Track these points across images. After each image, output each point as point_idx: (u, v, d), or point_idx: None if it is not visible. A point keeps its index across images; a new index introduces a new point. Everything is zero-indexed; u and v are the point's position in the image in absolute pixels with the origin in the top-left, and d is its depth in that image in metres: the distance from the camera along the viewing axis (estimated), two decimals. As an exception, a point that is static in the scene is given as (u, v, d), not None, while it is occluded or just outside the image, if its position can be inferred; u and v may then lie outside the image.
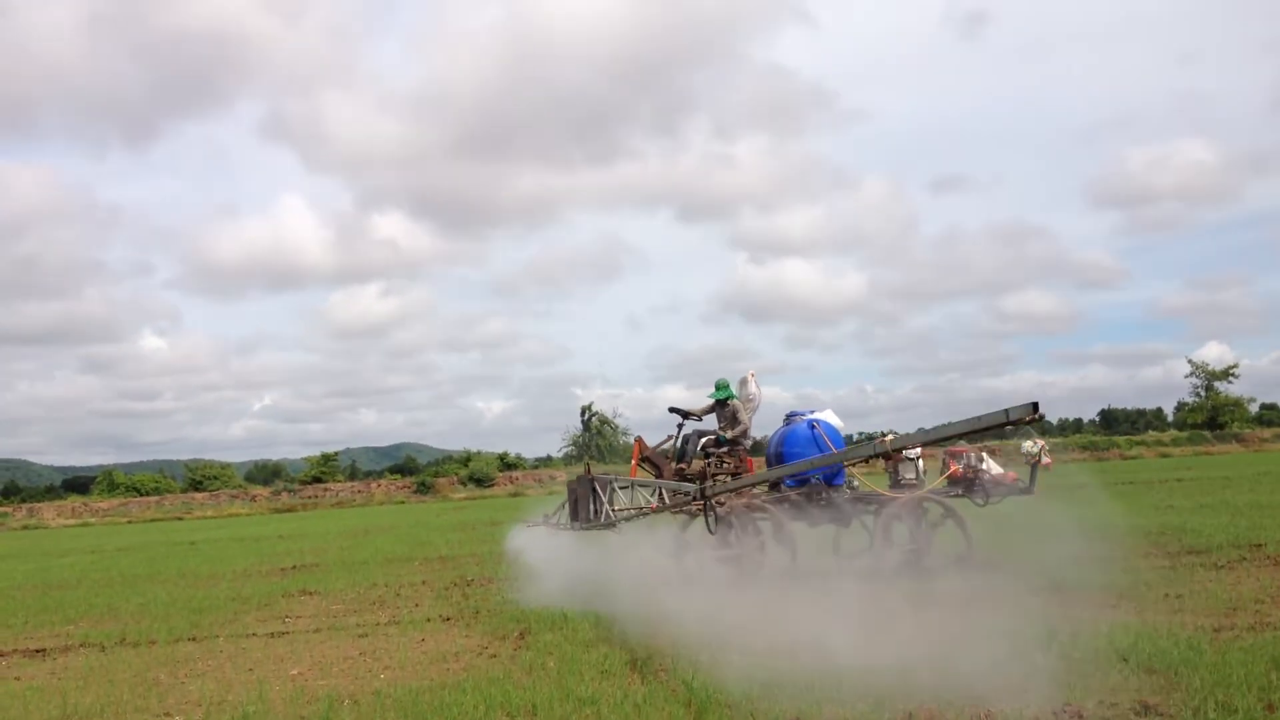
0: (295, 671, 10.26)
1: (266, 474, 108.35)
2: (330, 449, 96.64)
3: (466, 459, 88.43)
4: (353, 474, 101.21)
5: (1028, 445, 15.07)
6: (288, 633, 12.87)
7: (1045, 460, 14.89)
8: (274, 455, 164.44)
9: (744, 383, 15.29)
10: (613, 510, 14.05)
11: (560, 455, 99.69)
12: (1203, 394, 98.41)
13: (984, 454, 15.46)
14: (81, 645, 12.84)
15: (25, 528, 65.94)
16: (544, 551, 15.25)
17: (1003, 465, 15.38)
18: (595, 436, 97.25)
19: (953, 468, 15.05)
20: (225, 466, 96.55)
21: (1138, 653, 8.42)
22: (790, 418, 15.30)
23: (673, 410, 15.05)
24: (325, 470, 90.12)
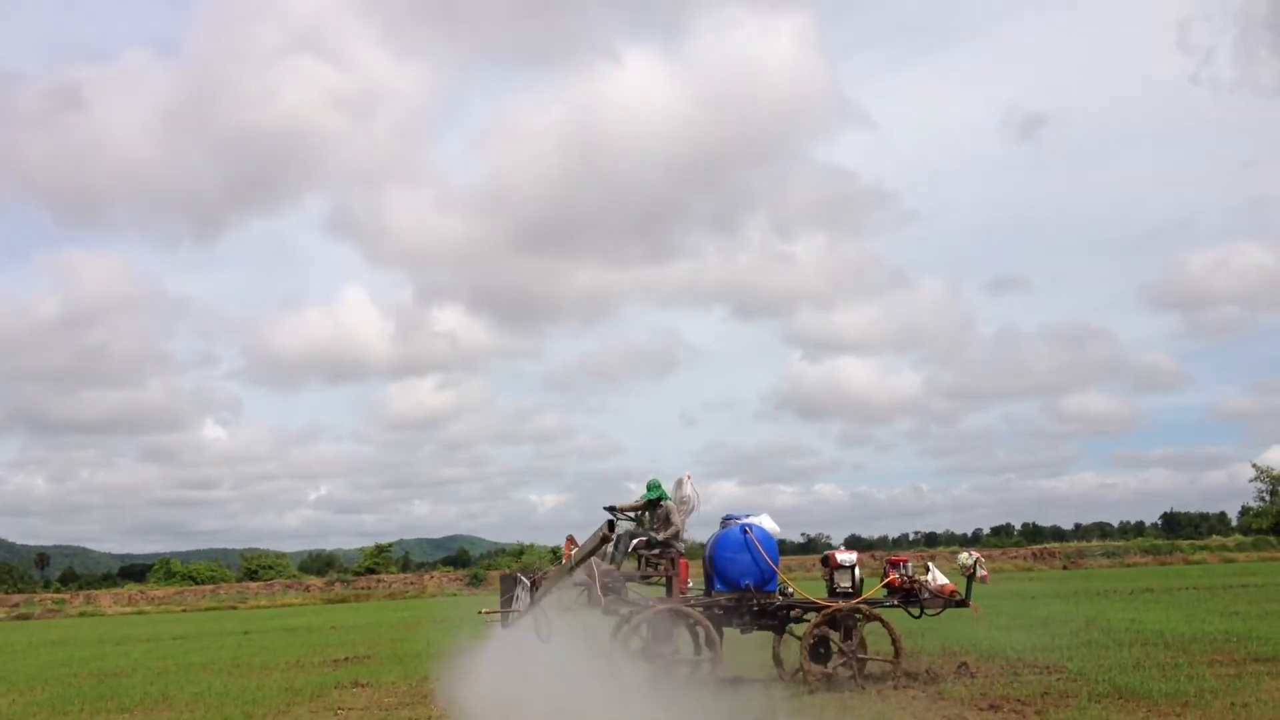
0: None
1: (320, 564, 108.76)
2: (384, 540, 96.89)
3: (519, 552, 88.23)
4: (405, 565, 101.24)
5: (963, 557, 15.05)
6: (340, 725, 12.86)
7: (981, 573, 14.79)
8: (328, 545, 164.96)
9: (679, 484, 15.20)
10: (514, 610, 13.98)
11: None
12: (1267, 498, 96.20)
13: (928, 563, 15.35)
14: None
15: (82, 614, 66.37)
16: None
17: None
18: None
19: (891, 576, 14.88)
20: (280, 556, 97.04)
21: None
22: (726, 520, 15.23)
23: (607, 509, 14.98)
24: (379, 561, 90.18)
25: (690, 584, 14.85)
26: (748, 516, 15.00)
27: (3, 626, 55.54)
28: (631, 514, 14.97)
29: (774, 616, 14.67)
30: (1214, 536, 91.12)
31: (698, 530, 15.65)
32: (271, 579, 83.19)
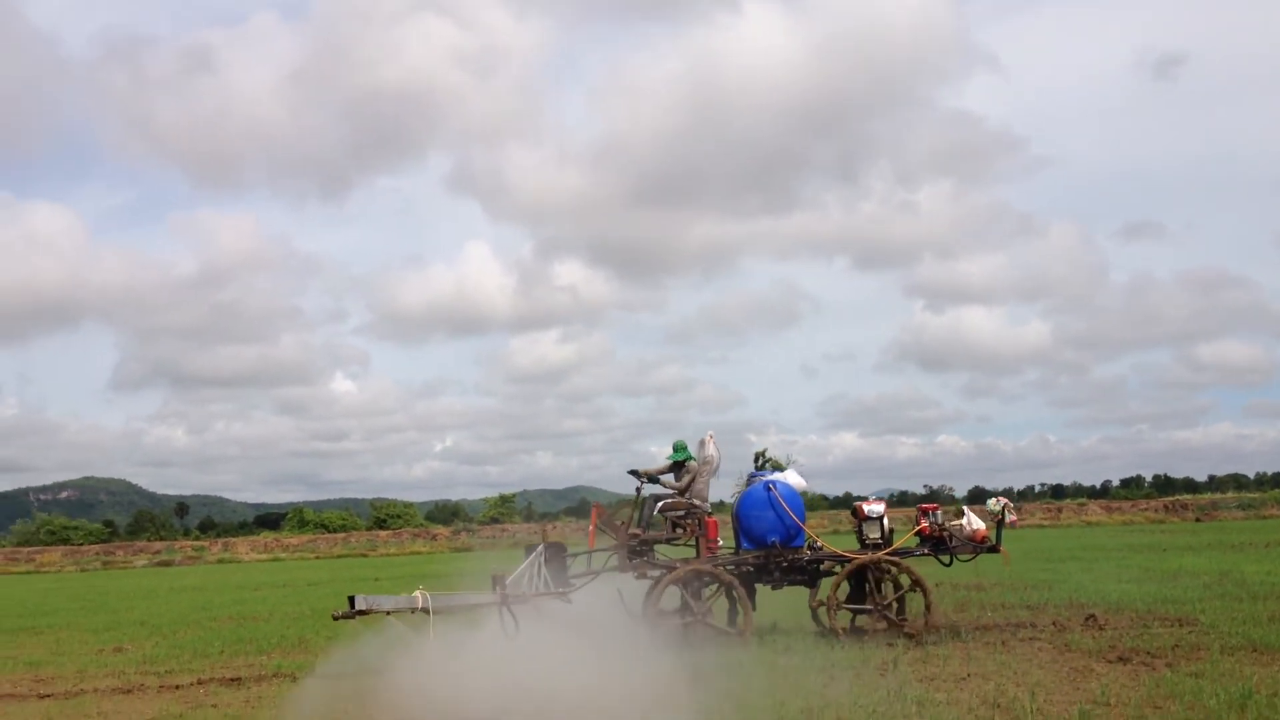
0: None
1: (446, 514, 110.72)
2: (507, 490, 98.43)
3: (641, 503, 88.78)
4: (529, 515, 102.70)
5: (991, 503, 14.87)
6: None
7: (1011, 518, 14.65)
8: (453, 496, 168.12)
9: (703, 444, 15.06)
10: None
11: (733, 500, 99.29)
12: None
13: (964, 508, 15.12)
14: (274, 675, 13.36)
15: (220, 561, 68.67)
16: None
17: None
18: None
19: (921, 525, 14.62)
20: (408, 506, 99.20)
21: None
22: (751, 478, 15.08)
23: (631, 473, 14.89)
24: (503, 511, 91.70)
25: (720, 543, 14.78)
26: (772, 473, 14.91)
27: (146, 572, 57.79)
28: (649, 477, 14.90)
29: (803, 571, 14.59)
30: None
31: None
32: (400, 528, 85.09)
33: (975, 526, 14.63)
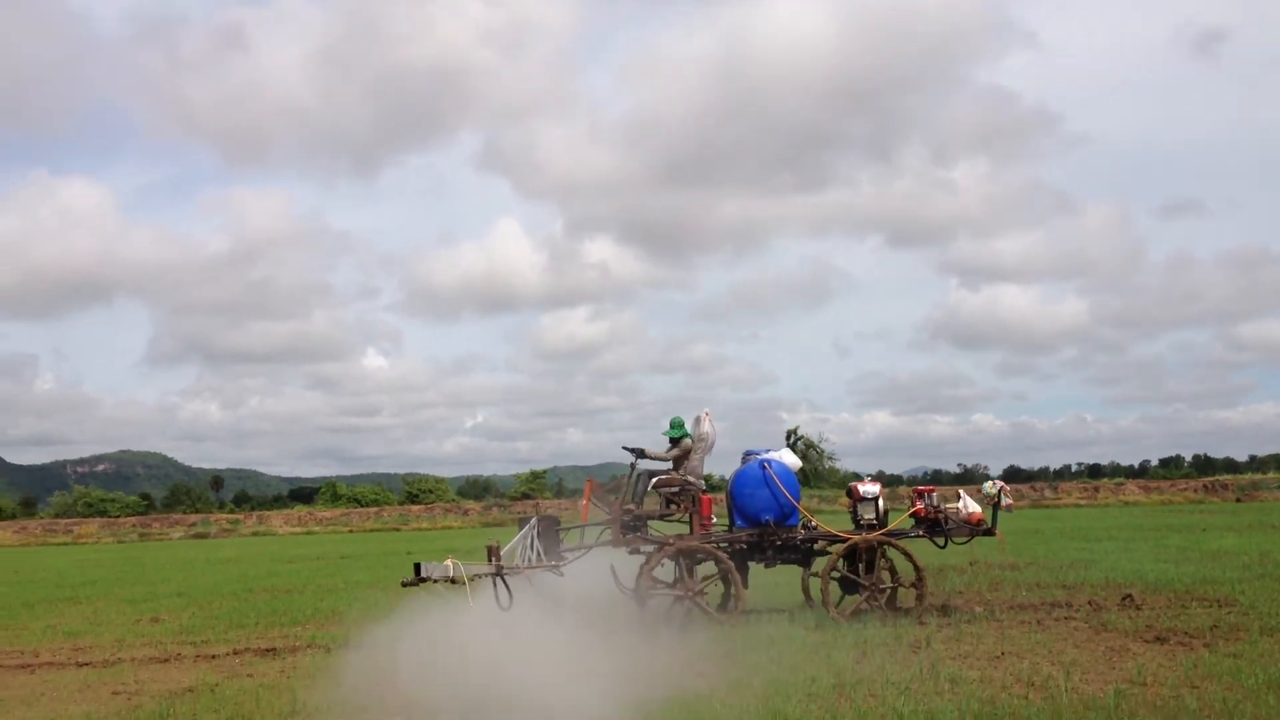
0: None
1: (478, 489, 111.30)
2: (538, 466, 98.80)
3: (721, 480, 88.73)
4: (559, 492, 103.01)
5: (987, 486, 14.73)
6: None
7: (1006, 502, 14.47)
8: (484, 471, 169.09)
9: (698, 421, 14.93)
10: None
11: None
12: None
13: (960, 491, 14.97)
14: (309, 646, 13.45)
15: (255, 534, 69.20)
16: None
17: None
18: (801, 461, 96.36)
19: (917, 506, 14.51)
20: (439, 481, 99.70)
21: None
22: (746, 456, 14.94)
23: (626, 449, 14.79)
24: (533, 487, 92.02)
25: (714, 520, 14.71)
26: (767, 452, 14.82)
27: (181, 544, 58.31)
28: (647, 454, 14.83)
29: (797, 550, 14.54)
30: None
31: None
32: (432, 502, 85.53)
33: (971, 509, 14.55)
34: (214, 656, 13.01)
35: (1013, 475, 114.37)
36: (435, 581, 11.27)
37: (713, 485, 16.99)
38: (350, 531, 67.43)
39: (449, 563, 11.46)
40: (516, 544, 13.30)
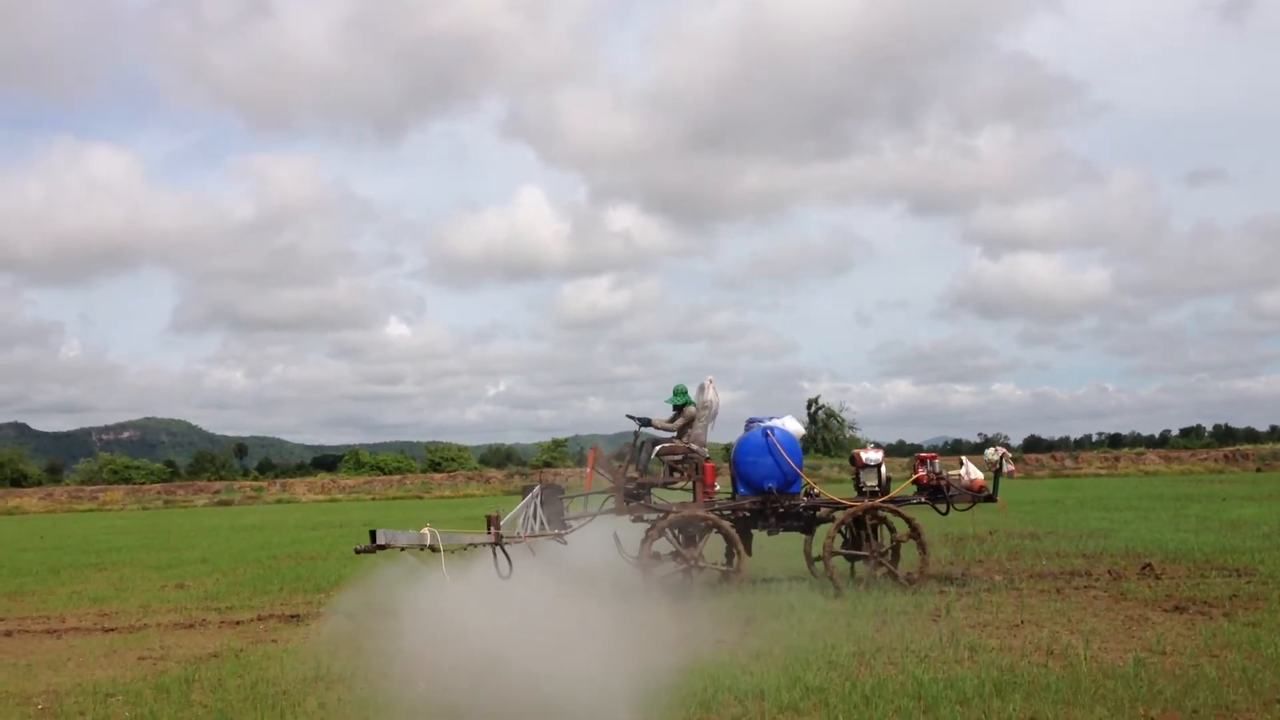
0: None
1: (500, 457, 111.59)
2: (560, 435, 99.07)
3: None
4: (581, 460, 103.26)
5: (989, 453, 14.69)
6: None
7: (1008, 468, 14.47)
8: (506, 440, 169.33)
9: (702, 389, 14.88)
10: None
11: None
12: None
13: (963, 458, 14.94)
14: (332, 613, 13.56)
15: (279, 501, 69.69)
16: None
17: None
18: (821, 430, 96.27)
19: (919, 473, 14.48)
20: (462, 449, 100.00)
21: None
22: (750, 424, 14.90)
23: (630, 417, 14.79)
24: (555, 455, 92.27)
25: (718, 488, 14.72)
26: (771, 419, 14.80)
27: (206, 511, 58.76)
28: (651, 423, 14.84)
29: (799, 518, 14.52)
30: None
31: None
32: (454, 470, 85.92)
33: (973, 476, 14.53)
34: (238, 622, 13.15)
35: (1033, 445, 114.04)
36: (403, 550, 11.20)
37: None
38: (373, 499, 67.82)
39: (426, 531, 11.42)
40: (518, 513, 13.36)
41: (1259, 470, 61.61)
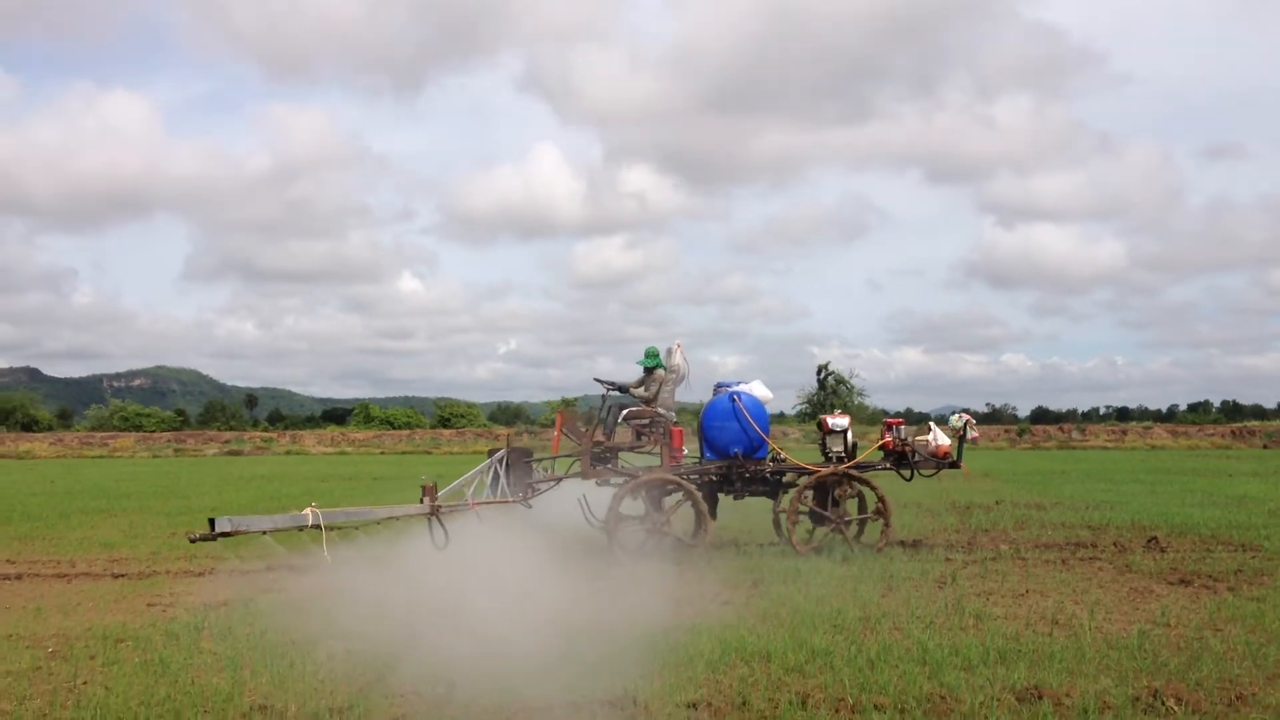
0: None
1: (509, 415, 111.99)
2: (569, 395, 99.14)
3: (699, 410, 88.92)
4: (589, 420, 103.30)
5: (953, 419, 14.69)
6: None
7: (972, 434, 14.47)
8: (515, 398, 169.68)
9: (670, 353, 14.86)
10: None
11: (794, 413, 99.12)
12: None
13: (931, 424, 14.95)
14: (342, 564, 13.62)
15: (288, 453, 70.08)
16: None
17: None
18: (830, 396, 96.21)
19: (885, 439, 14.48)
20: (471, 406, 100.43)
21: None
22: (718, 388, 14.87)
23: (598, 380, 14.81)
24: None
25: (686, 453, 14.71)
26: (738, 384, 14.78)
27: (216, 461, 59.10)
28: (620, 387, 14.84)
29: (765, 483, 14.51)
30: None
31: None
32: (463, 427, 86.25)
33: (939, 442, 14.54)
34: (248, 572, 13.25)
35: (1041, 416, 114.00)
36: (265, 534, 10.96)
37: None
38: (382, 453, 68.12)
39: (308, 511, 11.25)
40: (473, 476, 13.33)
41: (1265, 447, 61.59)
